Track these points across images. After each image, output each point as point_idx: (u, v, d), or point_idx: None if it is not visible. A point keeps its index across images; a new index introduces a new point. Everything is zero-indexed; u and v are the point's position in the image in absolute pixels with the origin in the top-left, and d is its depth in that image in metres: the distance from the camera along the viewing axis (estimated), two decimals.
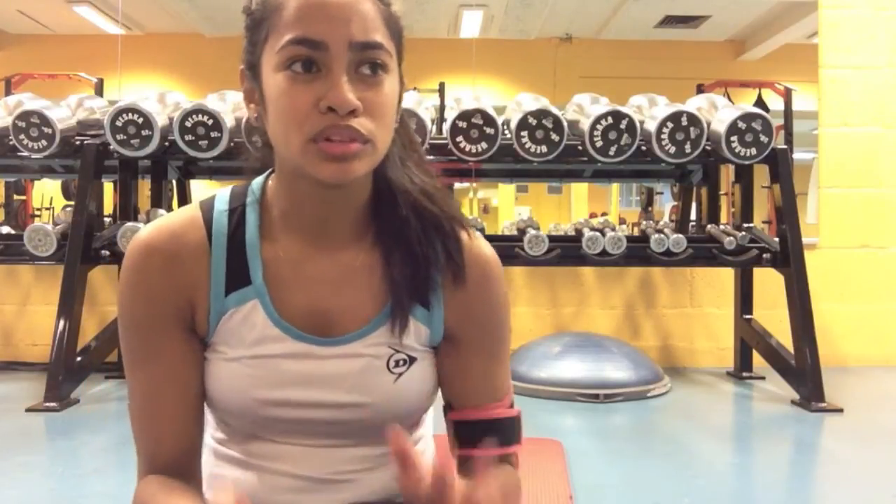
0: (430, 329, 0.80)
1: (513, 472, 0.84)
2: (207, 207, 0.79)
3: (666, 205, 4.43)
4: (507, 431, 0.83)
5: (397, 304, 0.78)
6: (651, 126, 2.97)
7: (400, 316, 0.78)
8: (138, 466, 0.78)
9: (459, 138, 2.97)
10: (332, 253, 0.79)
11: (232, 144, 2.92)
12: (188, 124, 2.90)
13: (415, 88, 3.46)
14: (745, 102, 3.83)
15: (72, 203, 3.66)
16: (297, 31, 0.69)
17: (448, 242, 0.80)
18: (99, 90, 3.85)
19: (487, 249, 0.84)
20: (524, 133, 2.96)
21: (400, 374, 0.79)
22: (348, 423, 0.80)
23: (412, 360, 0.80)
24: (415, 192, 0.79)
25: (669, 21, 4.29)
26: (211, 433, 0.84)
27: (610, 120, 2.95)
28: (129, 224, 2.85)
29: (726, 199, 3.66)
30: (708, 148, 3.02)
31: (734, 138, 2.92)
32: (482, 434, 0.81)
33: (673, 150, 2.95)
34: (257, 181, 0.82)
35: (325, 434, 0.80)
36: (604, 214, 4.40)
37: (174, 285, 0.76)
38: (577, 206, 4.46)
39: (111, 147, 2.94)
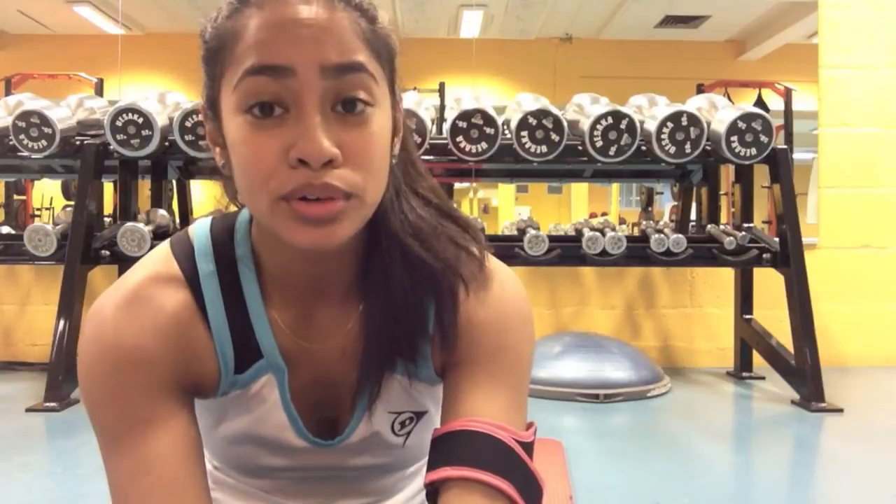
0: (416, 381, 0.70)
1: None
2: (188, 267, 0.66)
3: (666, 205, 4.43)
4: (497, 455, 0.61)
5: (364, 377, 0.68)
6: (651, 126, 2.96)
7: (368, 390, 0.68)
8: None
9: (459, 138, 2.97)
10: (331, 314, 0.69)
11: None
12: (188, 124, 2.90)
13: (415, 88, 3.46)
14: (745, 102, 3.83)
15: (72, 203, 3.66)
16: (255, 58, 0.56)
17: (440, 300, 0.67)
18: (99, 90, 3.85)
19: (490, 266, 0.70)
20: (524, 133, 2.96)
21: (408, 434, 0.73)
22: (359, 477, 0.77)
23: (419, 414, 0.72)
24: (403, 236, 0.66)
25: (669, 21, 4.28)
26: (208, 458, 0.78)
27: (610, 120, 2.95)
28: (129, 224, 2.85)
29: (726, 199, 3.66)
30: (708, 148, 3.02)
31: (734, 138, 2.92)
32: (460, 449, 0.62)
33: (673, 150, 2.95)
34: (241, 227, 0.69)
35: (334, 484, 0.78)
36: (604, 214, 4.40)
37: (170, 361, 0.64)
38: (577, 206, 4.46)
39: (111, 147, 2.93)
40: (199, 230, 0.69)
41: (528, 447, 0.64)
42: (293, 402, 0.69)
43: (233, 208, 0.71)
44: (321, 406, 0.70)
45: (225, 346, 0.66)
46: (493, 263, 0.71)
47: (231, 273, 0.67)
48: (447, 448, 0.62)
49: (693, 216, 3.73)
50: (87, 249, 2.88)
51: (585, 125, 2.97)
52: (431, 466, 0.63)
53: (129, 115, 2.90)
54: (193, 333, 0.65)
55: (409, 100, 3.10)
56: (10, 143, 3.00)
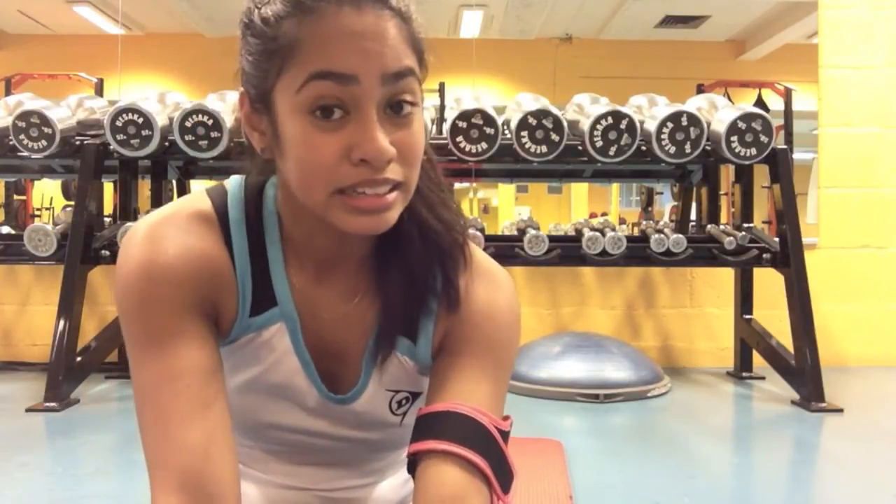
0: (415, 362, 0.74)
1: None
2: (221, 209, 0.70)
3: (666, 205, 4.43)
4: (477, 436, 0.66)
5: (384, 333, 0.72)
6: (651, 126, 2.96)
7: (384, 347, 0.72)
8: (157, 488, 0.62)
9: (459, 138, 2.97)
10: (342, 286, 0.73)
11: (232, 144, 2.92)
12: (188, 124, 2.90)
13: None
14: (745, 102, 3.83)
15: (72, 203, 3.66)
16: (321, 64, 0.59)
17: (446, 262, 0.72)
18: (99, 90, 3.85)
19: (488, 265, 0.76)
20: (524, 133, 2.96)
21: (405, 414, 0.76)
22: (354, 451, 0.80)
23: (415, 395, 0.76)
24: (416, 203, 0.71)
25: (669, 21, 4.28)
26: None
27: (610, 120, 2.95)
28: (130, 224, 2.85)
29: (726, 199, 3.66)
30: (708, 148, 3.02)
31: (734, 138, 2.92)
32: (443, 426, 0.66)
33: (673, 150, 2.95)
34: (269, 194, 0.73)
35: (330, 455, 0.80)
36: (604, 214, 4.40)
37: (198, 284, 0.67)
38: (577, 206, 4.46)
39: (111, 147, 2.93)
40: (234, 181, 0.74)
41: (505, 436, 0.69)
42: (307, 348, 0.72)
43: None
44: (323, 375, 0.74)
45: (246, 286, 0.70)
46: (487, 260, 0.76)
47: (257, 228, 0.71)
48: (431, 425, 0.67)
49: (693, 216, 3.73)
50: (87, 249, 2.88)
51: (585, 125, 2.97)
52: (414, 439, 0.67)
53: (129, 115, 2.90)
54: (219, 267, 0.69)
55: None
56: (10, 143, 3.00)
